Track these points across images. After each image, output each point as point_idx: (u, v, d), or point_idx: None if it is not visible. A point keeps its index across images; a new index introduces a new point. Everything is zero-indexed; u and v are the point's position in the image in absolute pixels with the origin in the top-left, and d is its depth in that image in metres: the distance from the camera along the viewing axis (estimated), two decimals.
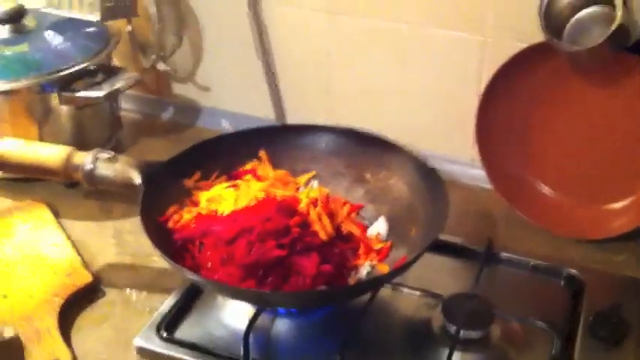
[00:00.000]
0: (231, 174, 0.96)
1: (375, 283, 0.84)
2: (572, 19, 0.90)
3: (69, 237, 1.00)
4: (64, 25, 1.10)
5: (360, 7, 1.07)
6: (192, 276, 0.79)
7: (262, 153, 0.98)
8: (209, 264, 0.83)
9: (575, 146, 1.01)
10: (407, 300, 0.89)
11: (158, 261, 0.96)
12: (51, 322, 0.86)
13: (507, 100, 1.00)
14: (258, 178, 0.95)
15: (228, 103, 1.25)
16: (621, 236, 0.97)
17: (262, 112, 1.22)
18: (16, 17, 1.07)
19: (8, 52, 1.06)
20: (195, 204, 0.91)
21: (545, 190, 1.04)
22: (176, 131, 1.27)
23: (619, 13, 0.84)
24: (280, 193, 0.90)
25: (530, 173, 1.04)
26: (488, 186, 1.06)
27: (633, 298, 0.89)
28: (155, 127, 1.29)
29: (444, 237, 0.93)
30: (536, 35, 0.93)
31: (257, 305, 0.82)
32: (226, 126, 1.25)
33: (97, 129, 1.15)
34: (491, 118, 1.02)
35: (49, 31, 1.09)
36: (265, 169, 0.97)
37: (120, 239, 1.02)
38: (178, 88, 1.29)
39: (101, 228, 1.04)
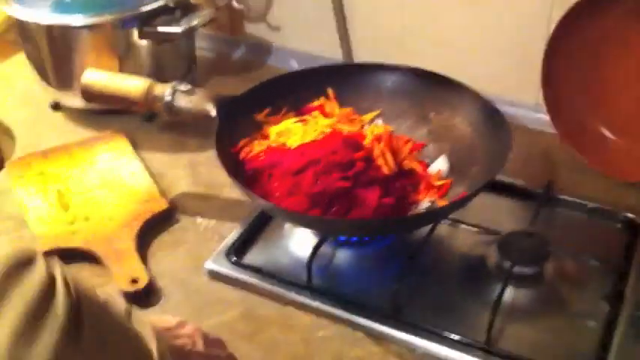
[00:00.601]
0: (300, 110, 1.00)
1: (433, 215, 0.87)
2: None
3: (147, 167, 1.07)
4: None
5: None
6: (262, 202, 0.84)
7: (329, 90, 1.01)
8: (277, 194, 0.87)
9: (638, 91, 1.01)
10: (465, 236, 0.93)
11: (229, 192, 1.02)
12: (130, 244, 0.92)
13: (574, 44, 1.01)
14: (325, 115, 0.99)
15: (298, 43, 1.28)
16: None
17: (331, 54, 1.25)
18: None
19: None
20: (266, 137, 0.96)
21: (607, 133, 1.05)
22: (247, 69, 1.31)
23: None
24: (346, 128, 0.94)
25: (594, 117, 1.05)
26: (552, 130, 1.07)
27: None
28: (227, 65, 1.34)
29: (504, 178, 0.96)
30: None
31: (321, 232, 0.87)
32: (295, 65, 1.28)
33: (173, 65, 1.20)
34: (557, 61, 1.02)
35: None
36: (332, 106, 1.00)
37: (194, 170, 1.08)
38: (250, 28, 1.32)
39: (176, 160, 1.10)
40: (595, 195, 0.99)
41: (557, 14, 1.00)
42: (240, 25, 1.32)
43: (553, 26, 1.01)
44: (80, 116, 1.19)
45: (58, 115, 1.21)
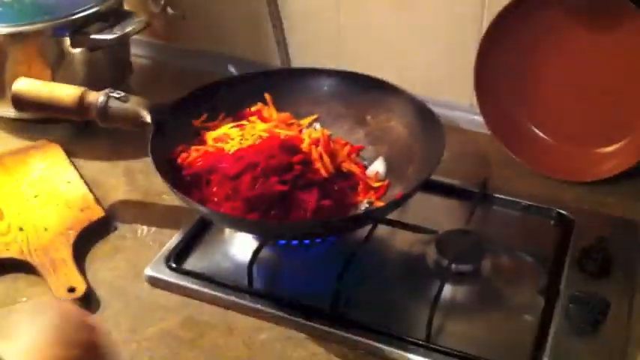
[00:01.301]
0: (237, 115, 1.00)
1: (371, 215, 0.88)
2: None
3: (82, 176, 1.05)
4: None
5: None
6: (199, 207, 0.84)
7: (267, 96, 1.02)
8: (215, 199, 0.87)
9: (569, 91, 1.04)
10: (403, 236, 0.93)
11: (167, 199, 1.01)
12: (66, 253, 0.91)
13: (506, 46, 1.03)
14: (263, 120, 0.99)
15: (235, 49, 1.28)
16: (611, 178, 1.01)
17: (268, 59, 1.25)
18: None
19: None
20: (203, 143, 0.95)
21: (540, 134, 1.08)
22: (184, 76, 1.30)
23: None
24: (284, 132, 0.94)
25: (526, 117, 1.08)
26: (486, 131, 1.09)
27: (620, 236, 0.93)
28: (164, 71, 1.33)
29: (441, 178, 0.98)
30: None
31: (260, 236, 0.87)
32: (233, 71, 1.28)
33: (108, 73, 1.18)
34: (490, 64, 1.05)
35: None
36: (270, 111, 1.01)
37: (130, 178, 1.07)
38: (186, 34, 1.32)
39: (112, 167, 1.09)
40: (529, 193, 1.01)
41: (489, 16, 1.03)
42: (176, 31, 1.31)
43: (485, 28, 1.03)
44: (11, 126, 1.16)
45: None
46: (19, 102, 0.94)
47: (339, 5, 1.16)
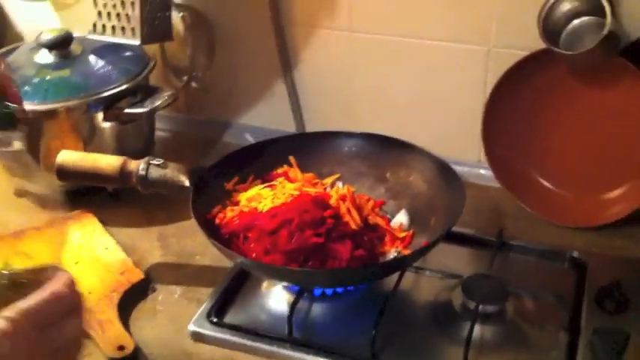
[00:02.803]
0: (265, 177, 1.07)
1: (402, 261, 0.94)
2: (568, 27, 1.01)
3: (118, 242, 1.10)
4: (105, 50, 1.21)
5: (376, 26, 1.19)
6: (243, 259, 0.89)
7: (291, 158, 1.09)
8: (254, 254, 0.93)
9: (572, 143, 1.12)
10: (429, 282, 0.99)
11: (200, 259, 1.07)
12: (112, 314, 0.95)
13: (510, 105, 1.11)
14: (290, 180, 1.05)
15: (253, 119, 1.36)
16: (618, 222, 1.08)
17: (284, 127, 1.33)
18: (63, 44, 1.18)
19: (57, 75, 1.16)
20: (236, 204, 1.02)
21: (547, 184, 1.15)
22: (203, 146, 1.37)
23: (608, 21, 0.95)
24: (312, 190, 1.01)
25: (533, 170, 1.15)
26: (495, 184, 1.17)
27: (632, 275, 0.98)
28: (184, 142, 1.40)
29: (459, 229, 1.04)
30: (534, 44, 1.04)
31: (299, 284, 0.93)
32: (250, 140, 1.35)
33: (134, 145, 1.24)
34: (495, 122, 1.13)
35: (92, 55, 1.19)
36: (295, 172, 1.07)
37: (164, 242, 1.12)
38: (205, 106, 1.40)
39: (146, 233, 1.14)
40: (542, 238, 1.08)
41: (493, 79, 1.11)
42: (195, 104, 1.39)
43: (489, 90, 1.12)
44: (45, 200, 1.22)
45: (23, 200, 1.24)
46: (63, 173, 1.00)
47: (352, 73, 1.25)
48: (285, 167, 1.08)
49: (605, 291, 0.95)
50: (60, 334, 0.64)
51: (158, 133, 1.39)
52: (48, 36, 1.17)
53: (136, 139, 1.25)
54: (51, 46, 1.17)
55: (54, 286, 0.65)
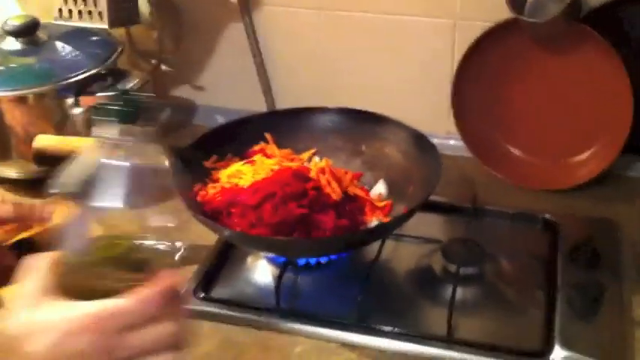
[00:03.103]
0: (243, 154, 1.08)
1: (384, 228, 0.97)
2: None
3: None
4: (72, 35, 1.20)
5: (345, 3, 1.21)
6: (232, 233, 0.91)
7: (268, 135, 1.10)
8: (238, 229, 0.94)
9: (539, 110, 1.16)
10: (410, 248, 1.02)
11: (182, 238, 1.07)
12: None
13: (477, 75, 1.14)
14: (268, 156, 1.07)
15: (222, 100, 1.37)
16: (583, 184, 1.12)
17: (254, 107, 1.33)
18: (29, 30, 1.17)
19: (24, 62, 1.15)
20: (216, 181, 1.03)
21: (516, 151, 1.19)
22: (174, 129, 1.37)
23: None
24: (292, 165, 1.02)
25: (502, 137, 1.19)
26: (465, 154, 1.20)
27: (600, 234, 1.03)
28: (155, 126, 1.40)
29: (435, 198, 1.06)
30: (499, 14, 1.07)
31: (287, 255, 0.94)
32: (221, 121, 1.35)
33: None
34: (464, 92, 1.16)
35: (59, 41, 1.19)
36: (272, 148, 1.09)
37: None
38: (174, 89, 1.40)
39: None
40: (513, 203, 1.11)
41: (460, 53, 1.14)
42: (164, 87, 1.39)
43: (456, 63, 1.14)
44: (17, 187, 1.21)
45: None
46: (40, 157, 1.00)
47: (320, 51, 1.26)
48: (262, 144, 1.10)
49: (577, 248, 0.99)
50: (147, 343, 0.56)
51: None
52: (13, 23, 1.16)
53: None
54: (17, 33, 1.16)
55: (155, 289, 0.57)
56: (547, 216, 1.07)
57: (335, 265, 1.00)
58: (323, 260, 0.98)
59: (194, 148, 1.04)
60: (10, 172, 1.18)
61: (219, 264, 1.01)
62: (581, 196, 1.13)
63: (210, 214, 0.97)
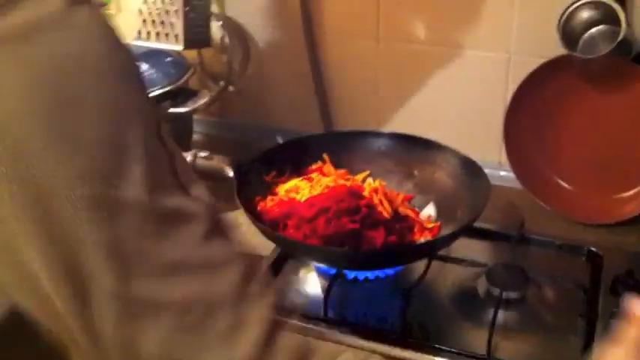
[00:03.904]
0: (301, 172, 1.14)
1: (432, 245, 1.01)
2: (585, 35, 1.09)
3: None
4: (149, 55, 1.29)
5: (403, 34, 1.27)
6: (289, 241, 0.97)
7: (325, 155, 1.16)
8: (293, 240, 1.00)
9: (587, 145, 1.19)
10: (455, 270, 1.07)
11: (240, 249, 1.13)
12: None
13: (530, 108, 1.19)
14: (324, 175, 1.13)
15: (283, 122, 1.43)
16: (630, 220, 1.15)
17: (313, 129, 1.40)
18: None
19: None
20: (275, 194, 1.09)
21: (565, 183, 1.22)
22: (237, 148, 1.44)
23: (623, 28, 1.03)
24: (347, 183, 1.08)
25: (551, 170, 1.22)
26: (514, 185, 1.23)
27: None
28: (218, 145, 1.47)
29: (483, 224, 1.11)
30: (551, 52, 1.12)
31: (337, 266, 1.00)
32: (281, 141, 1.42)
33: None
34: (516, 124, 1.20)
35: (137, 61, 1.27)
36: (329, 168, 1.14)
37: None
38: (238, 110, 1.47)
39: None
40: (559, 234, 1.14)
41: (513, 86, 1.19)
42: (230, 107, 1.46)
43: (510, 93, 1.19)
44: None
45: None
46: None
47: (379, 79, 1.33)
48: (320, 163, 1.16)
49: (619, 280, 1.01)
50: None
51: (193, 136, 1.46)
52: None
53: (174, 140, 1.32)
54: None
55: None
56: (592, 248, 1.10)
57: (382, 282, 1.04)
58: (371, 276, 1.03)
59: (256, 162, 1.10)
60: None
61: (273, 275, 1.07)
62: (625, 231, 1.15)
63: (268, 225, 1.03)
